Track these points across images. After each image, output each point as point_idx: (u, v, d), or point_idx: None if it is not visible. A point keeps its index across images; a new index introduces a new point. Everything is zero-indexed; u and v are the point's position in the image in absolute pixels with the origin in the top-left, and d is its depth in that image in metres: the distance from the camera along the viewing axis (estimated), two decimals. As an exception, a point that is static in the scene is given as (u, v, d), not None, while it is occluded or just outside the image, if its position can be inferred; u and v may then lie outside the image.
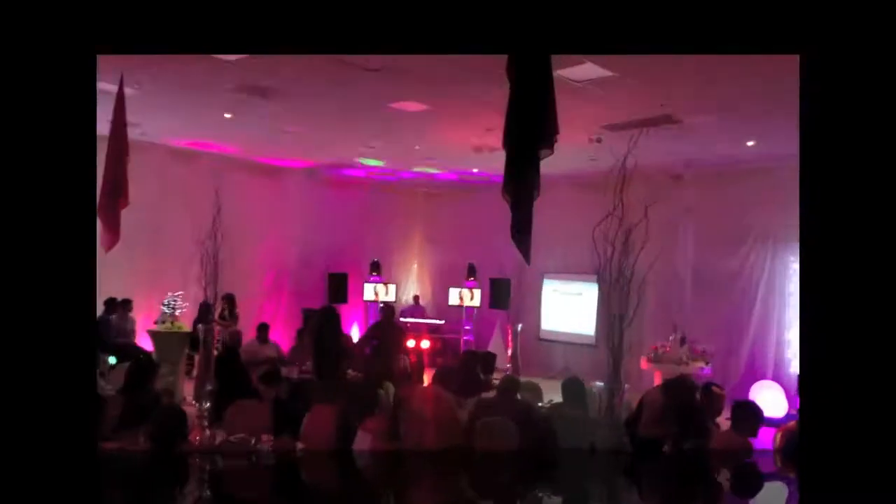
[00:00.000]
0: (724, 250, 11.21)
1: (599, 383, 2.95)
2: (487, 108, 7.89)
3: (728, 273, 11.30)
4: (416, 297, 15.34)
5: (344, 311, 13.46)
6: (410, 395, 6.21)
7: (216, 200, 4.84)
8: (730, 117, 8.21)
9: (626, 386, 2.97)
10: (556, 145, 4.25)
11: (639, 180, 3.12)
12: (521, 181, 4.00)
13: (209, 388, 4.82)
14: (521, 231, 4.00)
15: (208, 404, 4.77)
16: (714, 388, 5.37)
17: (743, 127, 8.68)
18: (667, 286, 11.86)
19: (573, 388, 5.44)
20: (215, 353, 6.11)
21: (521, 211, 3.99)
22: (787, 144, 9.56)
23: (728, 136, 9.12)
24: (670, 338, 10.92)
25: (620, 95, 7.45)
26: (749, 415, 4.52)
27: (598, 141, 9.16)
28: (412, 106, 8.39)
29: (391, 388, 7.04)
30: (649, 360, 10.88)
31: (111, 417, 5.01)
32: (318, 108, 8.80)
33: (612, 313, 2.86)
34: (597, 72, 6.72)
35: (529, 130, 4.02)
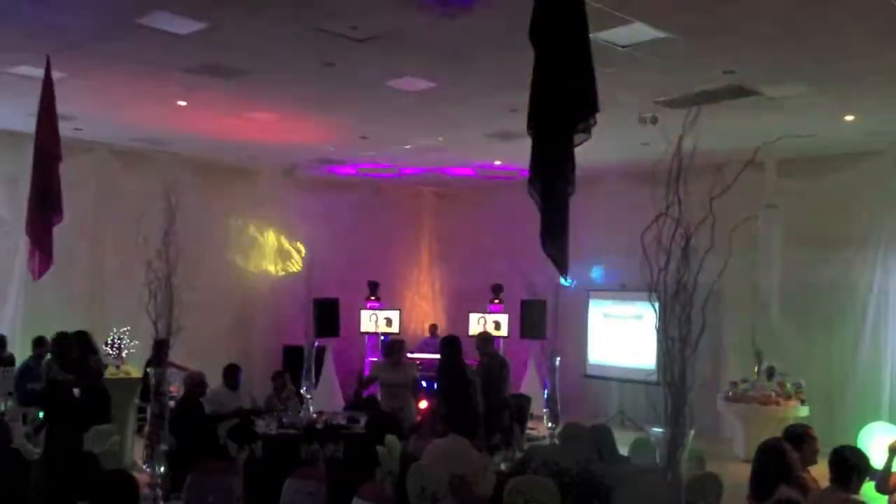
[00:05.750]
0: (819, 258, 11.11)
1: (658, 429, 2.93)
2: (510, 82, 7.91)
3: (825, 287, 11.18)
4: (433, 327, 15.32)
5: (335, 345, 13.50)
6: (422, 452, 6.20)
7: (168, 209, 4.88)
8: (823, 86, 8.17)
9: (691, 432, 2.94)
10: (595, 127, 4.25)
11: (705, 170, 3.11)
12: (551, 174, 3.99)
13: (164, 448, 4.83)
14: (554, 237, 4.00)
15: (163, 469, 4.78)
16: (802, 431, 5.33)
17: (840, 97, 8.63)
18: (747, 305, 11.77)
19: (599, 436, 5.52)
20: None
21: (552, 211, 3.99)
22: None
23: (821, 111, 9.07)
24: (754, 370, 10.85)
25: (679, 62, 7.44)
26: (850, 464, 4.47)
27: (653, 121, 9.16)
28: (414, 83, 8.44)
29: (396, 443, 7.03)
30: (728, 399, 10.80)
31: (39, 487, 5.06)
32: (294, 91, 8.87)
33: (669, 338, 2.84)
34: (648, 33, 6.73)
35: (560, 109, 4.02)
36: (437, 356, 13.78)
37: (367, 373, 14.48)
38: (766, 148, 5.19)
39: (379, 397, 9.04)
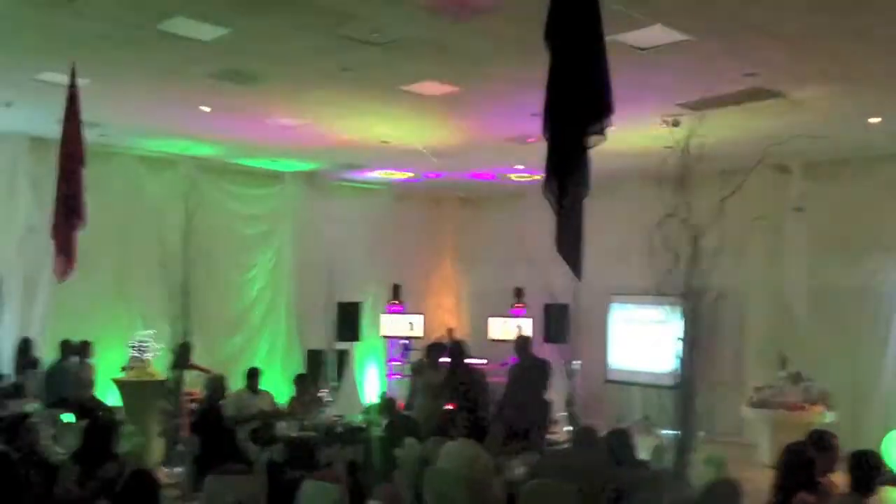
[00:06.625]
0: (844, 262, 10.95)
1: (668, 431, 2.91)
2: (531, 86, 7.88)
3: (851, 291, 11.03)
4: (450, 331, 15.30)
5: (358, 350, 13.55)
6: (438, 456, 6.20)
7: (187, 212, 4.93)
8: (846, 88, 8.07)
9: (700, 433, 2.92)
10: (616, 131, 4.23)
11: (727, 173, 3.09)
12: (565, 176, 3.98)
13: (181, 448, 4.87)
14: (568, 240, 3.98)
15: (180, 469, 4.81)
16: (825, 437, 5.29)
17: (865, 100, 8.53)
18: (772, 309, 11.64)
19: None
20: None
21: (566, 214, 3.97)
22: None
23: (845, 113, 8.97)
24: (779, 375, 10.72)
25: (701, 65, 7.39)
26: (869, 469, 4.42)
27: (675, 124, 9.10)
28: (434, 88, 8.45)
29: (414, 446, 7.04)
30: (752, 404, 10.69)
31: (65, 490, 5.12)
32: (315, 96, 8.92)
33: (678, 338, 2.82)
34: (668, 35, 6.68)
35: (573, 111, 4.01)
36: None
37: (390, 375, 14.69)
38: (792, 151, 5.15)
39: (403, 397, 9.21)
